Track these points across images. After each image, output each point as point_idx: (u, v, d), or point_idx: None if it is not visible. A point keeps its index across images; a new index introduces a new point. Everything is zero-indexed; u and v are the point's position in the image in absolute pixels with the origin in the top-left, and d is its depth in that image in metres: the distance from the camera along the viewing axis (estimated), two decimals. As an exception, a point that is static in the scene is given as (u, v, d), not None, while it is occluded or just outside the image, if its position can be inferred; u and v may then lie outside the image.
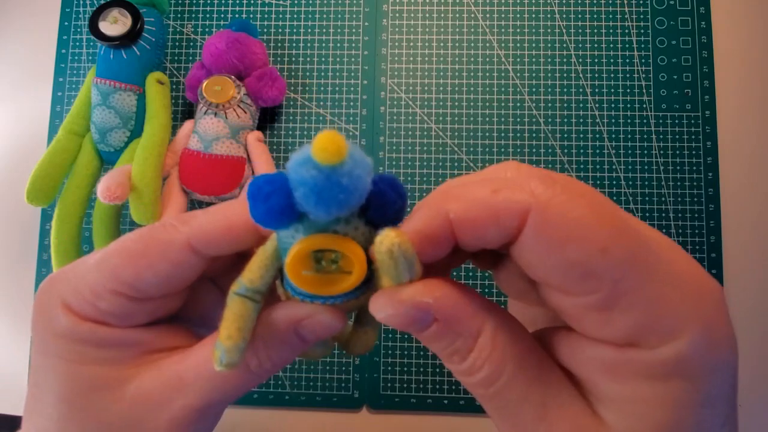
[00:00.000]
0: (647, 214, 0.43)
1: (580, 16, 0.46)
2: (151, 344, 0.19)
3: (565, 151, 0.44)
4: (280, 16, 0.47)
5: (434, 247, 0.16)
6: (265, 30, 0.47)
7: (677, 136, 0.44)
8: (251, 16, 0.47)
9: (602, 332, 0.15)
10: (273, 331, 0.18)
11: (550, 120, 0.45)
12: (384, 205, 0.16)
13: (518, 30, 0.46)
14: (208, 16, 0.47)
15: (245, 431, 0.43)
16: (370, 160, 0.15)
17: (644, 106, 0.44)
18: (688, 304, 0.14)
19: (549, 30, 0.46)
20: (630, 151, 0.44)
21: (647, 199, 0.43)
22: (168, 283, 0.18)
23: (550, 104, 0.45)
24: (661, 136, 0.44)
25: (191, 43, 0.47)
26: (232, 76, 0.41)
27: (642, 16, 0.45)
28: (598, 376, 0.15)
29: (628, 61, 0.45)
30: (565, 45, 0.45)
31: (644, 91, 0.45)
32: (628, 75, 0.45)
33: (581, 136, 0.44)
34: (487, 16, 0.46)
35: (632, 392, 0.15)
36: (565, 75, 0.45)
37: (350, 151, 0.14)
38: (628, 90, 0.45)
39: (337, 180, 0.14)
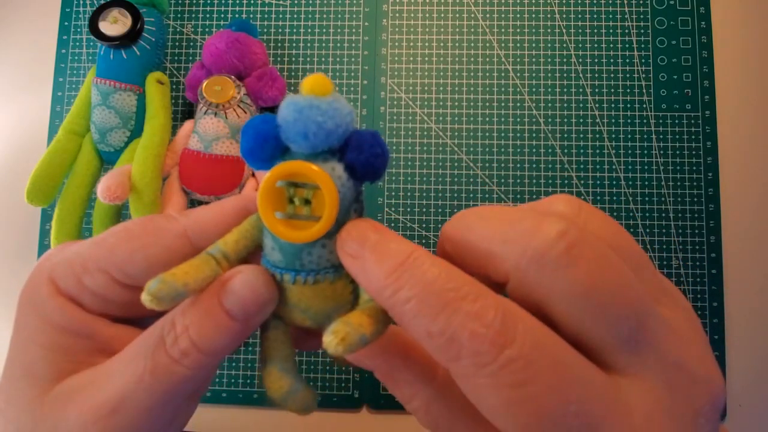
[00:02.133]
0: (647, 214, 0.43)
1: (580, 16, 0.46)
2: (106, 342, 0.19)
3: (565, 151, 0.44)
4: (280, 16, 0.47)
5: None
6: (265, 30, 0.47)
7: (677, 136, 0.44)
8: (251, 16, 0.47)
9: None
10: (195, 301, 0.17)
11: (550, 120, 0.45)
12: (361, 146, 0.16)
13: (518, 30, 0.46)
14: (208, 16, 0.47)
15: (245, 431, 0.43)
16: (352, 109, 0.16)
17: (644, 106, 0.44)
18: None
19: (549, 30, 0.46)
20: (630, 151, 0.44)
21: (647, 199, 0.43)
22: (157, 267, 0.17)
23: (550, 104, 0.45)
24: (661, 136, 0.44)
25: (191, 43, 0.47)
26: (232, 76, 0.41)
27: (642, 16, 0.45)
28: None
29: (628, 61, 0.45)
30: (565, 45, 0.45)
31: (644, 91, 0.45)
32: (628, 75, 0.45)
33: (581, 136, 0.44)
34: (487, 16, 0.46)
35: None
36: (565, 75, 0.45)
37: (335, 93, 0.16)
38: (628, 90, 0.45)
39: (317, 104, 0.16)
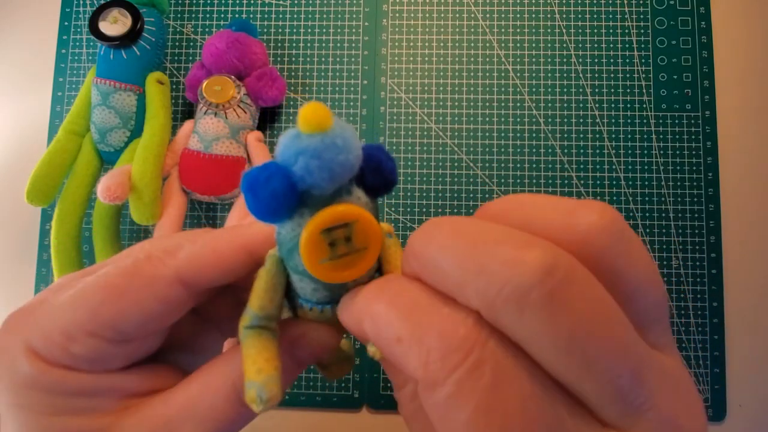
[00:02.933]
0: (647, 214, 0.43)
1: (580, 16, 0.46)
2: (130, 389, 0.17)
3: (565, 151, 0.44)
4: (280, 16, 0.47)
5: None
6: (265, 30, 0.47)
7: (677, 136, 0.44)
8: (251, 16, 0.47)
9: None
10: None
11: (550, 120, 0.45)
12: (379, 167, 0.16)
13: (518, 30, 0.46)
14: (208, 16, 0.47)
15: (245, 431, 0.42)
16: (353, 128, 0.15)
17: (644, 106, 0.44)
18: None
19: (549, 30, 0.46)
20: (630, 151, 0.44)
21: (647, 199, 0.43)
22: (154, 322, 0.17)
23: (550, 104, 0.45)
24: (661, 136, 0.44)
25: (191, 43, 0.47)
26: (232, 76, 0.41)
27: (642, 16, 0.45)
28: None
29: (628, 61, 0.45)
30: (565, 45, 0.45)
31: (644, 91, 0.45)
32: (628, 75, 0.45)
33: (581, 136, 0.44)
34: (487, 16, 0.46)
35: None
36: (565, 75, 0.45)
37: (335, 119, 0.14)
38: (628, 90, 0.45)
39: (332, 141, 0.14)
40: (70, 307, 0.16)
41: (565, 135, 0.44)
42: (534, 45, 0.45)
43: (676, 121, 0.44)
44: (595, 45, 0.45)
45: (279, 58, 0.46)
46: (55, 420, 0.16)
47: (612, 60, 0.45)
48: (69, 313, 0.16)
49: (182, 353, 0.20)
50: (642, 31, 0.45)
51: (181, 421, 0.16)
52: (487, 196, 0.44)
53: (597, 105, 0.45)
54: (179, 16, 0.47)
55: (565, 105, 0.45)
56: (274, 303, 0.17)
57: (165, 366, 0.19)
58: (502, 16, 0.46)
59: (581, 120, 0.44)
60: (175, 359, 0.20)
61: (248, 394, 0.15)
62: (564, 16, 0.46)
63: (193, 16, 0.47)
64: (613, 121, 0.44)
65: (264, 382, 0.15)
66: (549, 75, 0.45)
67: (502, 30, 0.46)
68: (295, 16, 0.47)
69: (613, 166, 0.44)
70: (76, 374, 0.16)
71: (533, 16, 0.46)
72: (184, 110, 0.46)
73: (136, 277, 0.17)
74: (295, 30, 0.47)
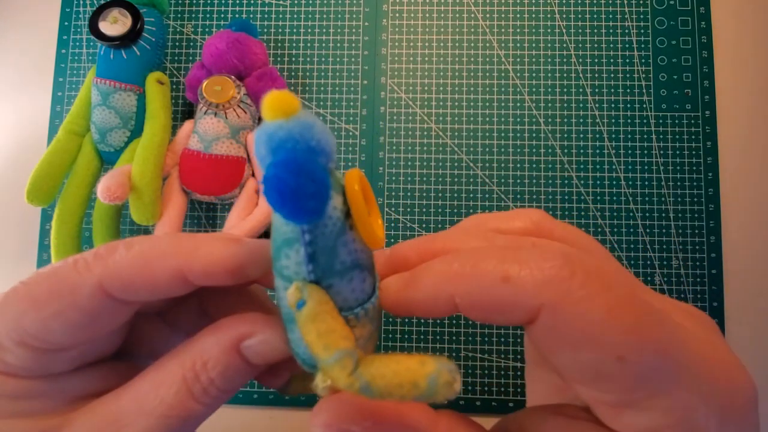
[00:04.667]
0: (647, 214, 0.43)
1: (580, 16, 0.46)
2: (80, 390, 0.17)
3: (565, 151, 0.44)
4: (280, 16, 0.47)
5: (435, 315, 0.16)
6: (265, 30, 0.47)
7: (677, 136, 0.44)
8: (251, 16, 0.47)
9: (613, 423, 0.14)
10: (214, 350, 0.16)
11: (550, 120, 0.45)
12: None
13: (518, 30, 0.46)
14: (208, 16, 0.47)
15: (245, 431, 0.42)
16: (321, 126, 0.14)
17: (644, 106, 0.44)
18: (713, 412, 0.14)
19: (549, 30, 0.46)
20: (630, 151, 0.44)
21: (647, 199, 0.43)
22: (82, 331, 0.16)
23: (550, 104, 0.45)
24: (661, 136, 0.44)
25: (191, 43, 0.47)
26: (232, 76, 0.41)
27: (642, 16, 0.45)
28: None
29: (628, 61, 0.45)
30: (565, 45, 0.45)
31: (644, 91, 0.45)
32: (628, 75, 0.45)
33: (581, 136, 0.44)
34: (487, 16, 0.46)
35: None
36: (565, 75, 0.45)
37: (300, 112, 0.14)
38: (628, 90, 0.45)
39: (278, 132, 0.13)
40: None
41: (565, 135, 0.44)
42: (534, 45, 0.45)
43: (676, 121, 0.44)
44: (595, 45, 0.45)
45: (279, 58, 0.46)
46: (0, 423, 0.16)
47: (612, 60, 0.45)
48: None
49: (148, 355, 0.20)
50: (642, 31, 0.45)
51: (131, 416, 0.16)
52: (487, 196, 0.44)
53: (597, 105, 0.45)
54: (179, 16, 0.47)
55: (565, 105, 0.45)
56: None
57: (125, 363, 0.18)
58: (502, 16, 0.46)
59: (581, 120, 0.44)
60: (141, 359, 0.20)
61: (316, 379, 0.14)
62: (564, 16, 0.46)
63: (193, 16, 0.47)
64: (613, 121, 0.44)
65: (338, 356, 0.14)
66: (549, 75, 0.45)
67: (502, 30, 0.46)
68: (295, 16, 0.47)
69: (613, 166, 0.44)
70: (14, 379, 0.16)
71: (533, 16, 0.46)
72: (184, 110, 0.46)
73: (57, 284, 0.16)
74: (295, 30, 0.47)
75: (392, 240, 0.44)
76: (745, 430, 0.14)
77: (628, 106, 0.44)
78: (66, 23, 0.47)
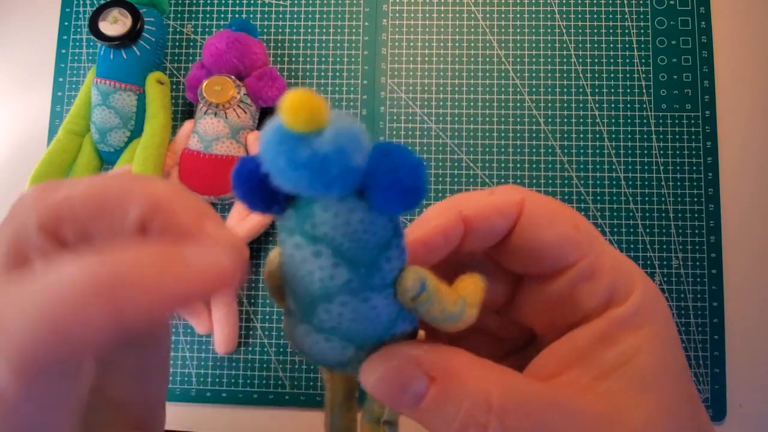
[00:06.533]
0: (647, 214, 0.43)
1: (580, 16, 0.46)
2: None
3: (565, 151, 0.44)
4: (280, 16, 0.47)
5: (447, 241, 0.17)
6: (265, 30, 0.47)
7: (677, 136, 0.44)
8: (251, 16, 0.47)
9: (592, 299, 0.17)
10: None
11: (550, 120, 0.45)
12: (389, 186, 0.13)
13: (518, 30, 0.46)
14: (208, 16, 0.47)
15: (245, 431, 0.42)
16: (361, 131, 0.12)
17: (644, 106, 0.44)
18: (631, 267, 0.18)
19: (549, 30, 0.46)
20: (630, 151, 0.44)
21: (647, 199, 0.43)
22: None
23: (550, 104, 0.45)
24: (661, 136, 0.44)
25: (191, 43, 0.47)
26: (232, 76, 0.42)
27: (642, 16, 0.45)
28: (598, 350, 0.16)
29: (628, 61, 0.45)
30: (565, 45, 0.45)
31: (644, 91, 0.45)
32: (628, 75, 0.45)
33: (581, 136, 0.44)
34: (487, 16, 0.46)
35: (623, 350, 0.16)
36: (565, 75, 0.45)
37: (333, 117, 0.12)
38: (628, 90, 0.45)
39: (298, 149, 0.12)
40: None
41: (565, 135, 0.44)
42: (534, 45, 0.45)
43: (676, 121, 0.44)
44: (595, 45, 0.45)
45: (279, 58, 0.46)
46: None
47: (612, 60, 0.45)
48: None
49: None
50: (642, 31, 0.45)
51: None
52: (487, 196, 0.44)
53: (597, 105, 0.45)
54: (179, 16, 0.47)
55: (565, 105, 0.45)
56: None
57: None
58: (502, 16, 0.46)
59: (581, 120, 0.44)
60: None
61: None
62: (564, 16, 0.46)
63: (193, 16, 0.47)
64: (613, 121, 0.44)
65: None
66: (549, 75, 0.45)
67: (502, 30, 0.46)
68: (295, 16, 0.47)
69: (613, 166, 0.44)
70: None
71: (533, 16, 0.46)
72: (184, 110, 0.46)
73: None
74: (295, 30, 0.47)
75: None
76: (649, 281, 0.18)
77: (628, 106, 0.44)
78: (66, 23, 0.47)
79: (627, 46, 0.45)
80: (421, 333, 0.18)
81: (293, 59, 0.46)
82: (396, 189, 0.13)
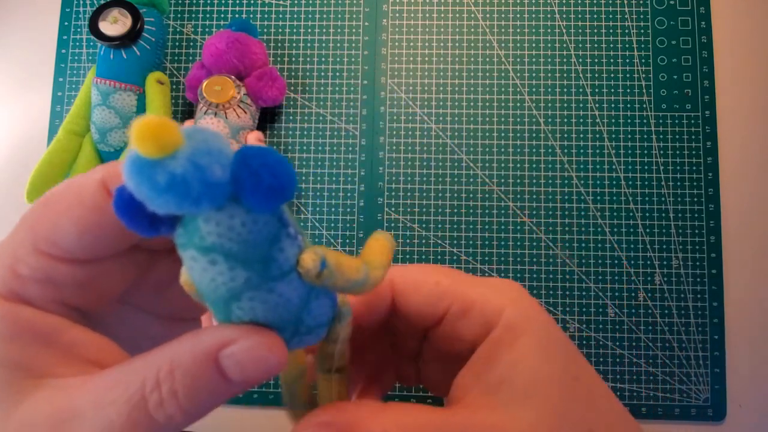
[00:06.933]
0: (647, 214, 0.43)
1: (580, 16, 0.46)
2: (67, 347, 0.16)
3: (565, 151, 0.44)
4: (280, 16, 0.47)
5: (377, 308, 0.21)
6: (265, 30, 0.47)
7: (677, 136, 0.44)
8: (251, 16, 0.47)
9: (470, 331, 0.20)
10: (186, 357, 0.15)
11: (550, 120, 0.45)
12: (253, 188, 0.13)
13: (518, 30, 0.46)
14: (208, 16, 0.47)
15: (245, 431, 0.42)
16: (219, 143, 0.13)
17: (644, 106, 0.44)
18: (497, 291, 0.20)
19: (549, 30, 0.46)
20: (630, 151, 0.44)
21: (647, 199, 0.43)
22: (90, 234, 0.16)
23: (550, 104, 0.45)
24: (661, 136, 0.44)
25: (191, 43, 0.47)
26: (232, 76, 0.41)
27: (642, 16, 0.45)
28: (486, 370, 0.19)
29: (628, 61, 0.45)
30: (565, 45, 0.45)
31: (644, 91, 0.45)
32: (628, 75, 0.45)
33: (581, 136, 0.44)
34: (487, 16, 0.46)
35: (504, 366, 0.18)
36: (565, 75, 0.45)
37: (189, 135, 0.13)
38: (628, 90, 0.45)
39: (156, 175, 0.12)
40: (17, 227, 0.16)
41: (565, 135, 0.44)
42: (534, 45, 0.45)
43: (676, 121, 0.44)
44: (595, 45, 0.45)
45: (279, 58, 0.46)
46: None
47: (612, 60, 0.45)
48: (15, 233, 0.16)
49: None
50: (642, 31, 0.45)
51: (90, 411, 0.14)
52: (487, 195, 0.44)
53: (597, 105, 0.45)
54: (179, 16, 0.47)
55: (565, 105, 0.45)
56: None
57: (120, 349, 0.17)
58: (502, 16, 0.46)
59: (581, 120, 0.44)
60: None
61: None
62: (564, 16, 0.46)
63: (193, 16, 0.47)
64: (613, 121, 0.44)
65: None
66: (549, 75, 0.45)
67: (502, 30, 0.46)
68: (295, 16, 0.47)
69: (613, 166, 0.44)
70: (22, 306, 0.16)
71: (533, 16, 0.46)
72: (184, 110, 0.46)
73: (68, 186, 0.16)
74: (295, 30, 0.47)
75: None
76: (523, 295, 0.20)
77: (628, 106, 0.44)
78: (66, 23, 0.47)
79: (627, 46, 0.45)
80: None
81: (293, 59, 0.46)
82: (260, 189, 0.13)
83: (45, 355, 0.16)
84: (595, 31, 0.45)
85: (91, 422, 0.14)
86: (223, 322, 0.16)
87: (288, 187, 0.14)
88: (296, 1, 0.47)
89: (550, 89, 0.45)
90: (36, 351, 0.16)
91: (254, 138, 0.42)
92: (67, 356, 0.16)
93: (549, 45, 0.45)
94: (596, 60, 0.45)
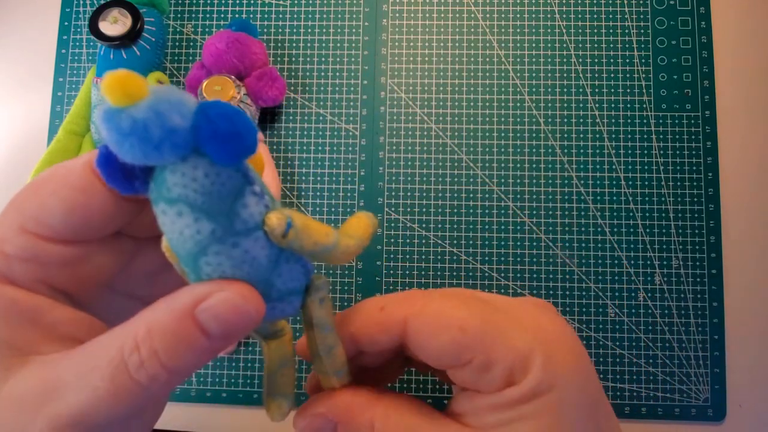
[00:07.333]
0: (647, 214, 0.43)
1: (580, 16, 0.46)
2: (52, 326, 0.16)
3: (565, 151, 0.44)
4: (280, 16, 0.47)
5: (379, 343, 0.20)
6: (265, 30, 0.47)
7: (677, 136, 0.44)
8: (251, 16, 0.47)
9: (490, 386, 0.18)
10: (163, 316, 0.15)
11: (550, 120, 0.45)
12: (210, 136, 0.14)
13: (518, 30, 0.46)
14: (208, 16, 0.47)
15: (244, 431, 0.42)
16: (181, 96, 0.14)
17: (644, 106, 0.44)
18: (529, 342, 0.18)
19: (549, 30, 0.46)
20: (630, 151, 0.44)
21: (647, 199, 0.43)
22: (77, 215, 0.16)
23: (550, 104, 0.45)
24: (661, 136, 0.44)
25: (191, 43, 0.47)
26: (232, 76, 0.42)
27: (642, 16, 0.45)
28: (490, 415, 0.18)
29: (628, 61, 0.45)
30: (565, 45, 0.45)
31: (644, 91, 0.45)
32: (628, 75, 0.45)
33: (581, 136, 0.44)
34: (487, 16, 0.46)
35: (514, 416, 0.18)
36: (565, 75, 0.45)
37: (154, 89, 0.14)
38: (628, 90, 0.45)
39: (121, 120, 0.13)
40: (3, 211, 0.17)
41: (565, 135, 0.44)
42: (534, 45, 0.45)
43: (676, 121, 0.44)
44: (595, 45, 0.45)
45: (279, 58, 0.46)
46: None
47: (612, 60, 0.45)
48: (1, 216, 0.17)
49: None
50: (642, 31, 0.45)
51: (73, 379, 0.15)
52: (487, 195, 0.44)
53: (597, 105, 0.45)
54: (179, 16, 0.47)
55: (565, 105, 0.45)
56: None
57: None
58: (502, 16, 0.46)
59: (581, 120, 0.44)
60: None
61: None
62: (564, 16, 0.46)
63: (193, 16, 0.47)
64: (613, 121, 0.44)
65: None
66: (549, 75, 0.45)
67: (502, 30, 0.46)
68: (295, 16, 0.47)
69: (613, 166, 0.44)
70: (6, 286, 0.16)
71: (533, 16, 0.46)
72: (184, 110, 0.46)
73: (55, 169, 0.17)
74: (295, 30, 0.47)
75: (392, 239, 0.44)
76: (561, 345, 0.19)
77: (628, 106, 0.44)
78: (66, 23, 0.47)
79: (627, 46, 0.45)
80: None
81: (293, 59, 0.46)
82: (218, 138, 0.14)
83: (30, 333, 0.16)
84: (595, 31, 0.45)
85: (75, 390, 0.15)
86: (196, 282, 0.16)
87: (245, 134, 0.14)
88: (296, 1, 0.47)
89: (550, 89, 0.45)
90: (22, 329, 0.16)
91: (254, 138, 0.42)
92: (52, 334, 0.16)
93: (549, 45, 0.45)
94: (596, 60, 0.45)
